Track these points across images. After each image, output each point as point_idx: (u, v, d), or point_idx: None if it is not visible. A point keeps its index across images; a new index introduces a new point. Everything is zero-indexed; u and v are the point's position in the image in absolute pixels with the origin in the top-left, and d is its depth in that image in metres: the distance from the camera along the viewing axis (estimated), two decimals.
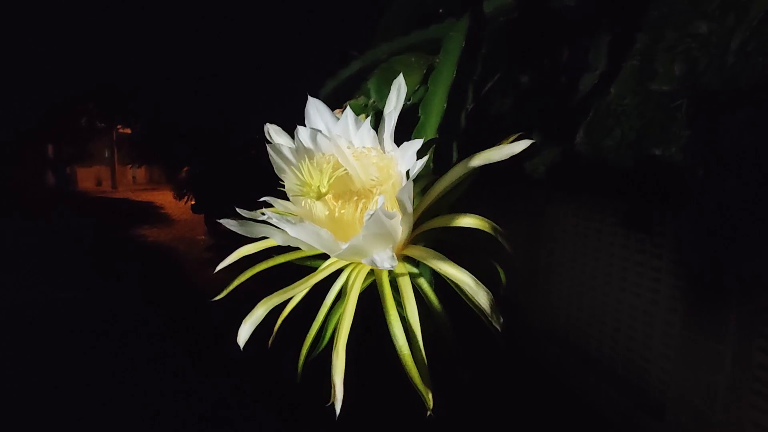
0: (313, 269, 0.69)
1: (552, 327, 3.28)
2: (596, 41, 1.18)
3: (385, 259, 0.47)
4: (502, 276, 0.70)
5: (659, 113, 1.11)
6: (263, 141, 0.71)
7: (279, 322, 0.66)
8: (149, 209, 10.74)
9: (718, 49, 0.96)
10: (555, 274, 3.26)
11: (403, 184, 0.56)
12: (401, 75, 0.64)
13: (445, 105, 0.96)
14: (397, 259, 0.60)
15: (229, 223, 0.56)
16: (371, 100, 1.17)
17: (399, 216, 0.54)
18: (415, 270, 0.63)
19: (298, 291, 0.60)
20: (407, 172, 0.55)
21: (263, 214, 0.54)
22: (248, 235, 0.59)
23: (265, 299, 0.58)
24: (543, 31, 1.15)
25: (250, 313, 0.58)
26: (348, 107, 1.01)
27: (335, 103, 1.16)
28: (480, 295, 0.50)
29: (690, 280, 2.31)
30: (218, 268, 0.71)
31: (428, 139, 0.85)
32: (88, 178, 14.99)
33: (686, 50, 1.01)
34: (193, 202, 6.16)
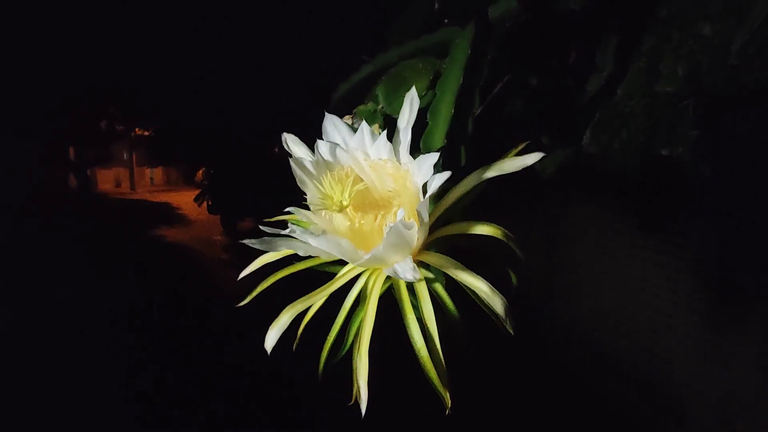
0: (332, 275, 0.72)
1: (571, 329, 3.25)
2: (603, 43, 1.20)
3: (407, 270, 0.49)
4: (514, 279, 0.73)
5: (667, 113, 1.12)
6: (278, 142, 0.74)
7: (302, 327, 0.69)
8: (167, 210, 10.89)
9: (720, 50, 0.98)
10: (574, 276, 3.23)
11: (420, 195, 0.59)
12: (414, 88, 0.67)
13: (453, 111, 0.98)
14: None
15: (250, 242, 0.58)
16: (380, 106, 1.19)
17: (416, 226, 0.57)
18: (430, 275, 0.66)
19: (320, 297, 0.63)
20: (424, 185, 0.58)
21: (287, 227, 0.57)
22: (269, 251, 0.62)
23: (289, 306, 0.62)
24: (550, 34, 1.16)
25: (276, 320, 0.61)
26: (360, 118, 1.03)
27: (347, 108, 1.19)
28: (495, 301, 0.53)
29: (711, 281, 2.24)
30: (241, 276, 0.74)
31: (438, 147, 0.88)
32: (107, 179, 15.33)
33: (690, 52, 1.02)
34: (209, 203, 6.25)
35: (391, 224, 0.50)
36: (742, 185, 1.56)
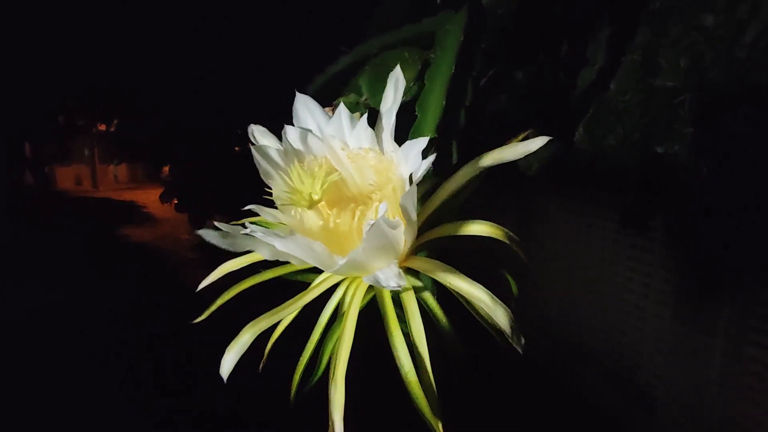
0: (305, 284, 0.62)
1: (543, 322, 3.27)
2: (595, 35, 1.14)
3: (390, 277, 0.40)
4: (514, 287, 0.64)
5: (662, 110, 1.06)
6: (247, 138, 0.65)
7: (269, 345, 0.59)
8: (132, 208, 10.48)
9: (724, 43, 0.92)
10: (546, 269, 3.24)
11: (406, 188, 0.50)
12: (398, 68, 0.58)
13: (444, 102, 0.90)
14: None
15: (209, 235, 0.49)
16: (363, 98, 1.10)
17: (402, 225, 0.47)
18: (419, 283, 0.57)
19: (290, 312, 0.53)
20: (410, 176, 0.49)
21: (246, 226, 0.47)
22: (232, 249, 0.52)
23: (251, 323, 0.51)
24: (541, 24, 1.10)
25: (235, 340, 0.51)
26: (340, 105, 0.93)
27: (323, 101, 1.09)
28: (498, 313, 0.44)
29: (681, 275, 2.32)
30: (200, 286, 0.64)
31: (428, 138, 0.80)
32: (67, 177, 14.47)
33: (692, 44, 0.97)
34: (176, 201, 5.99)
35: (372, 221, 0.41)
36: (720, 181, 1.54)
